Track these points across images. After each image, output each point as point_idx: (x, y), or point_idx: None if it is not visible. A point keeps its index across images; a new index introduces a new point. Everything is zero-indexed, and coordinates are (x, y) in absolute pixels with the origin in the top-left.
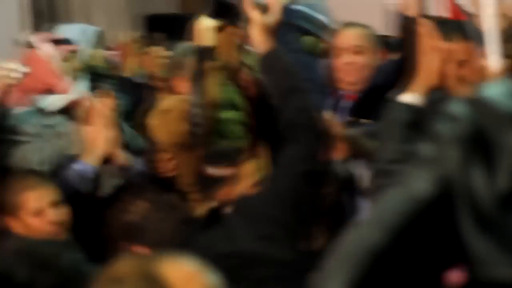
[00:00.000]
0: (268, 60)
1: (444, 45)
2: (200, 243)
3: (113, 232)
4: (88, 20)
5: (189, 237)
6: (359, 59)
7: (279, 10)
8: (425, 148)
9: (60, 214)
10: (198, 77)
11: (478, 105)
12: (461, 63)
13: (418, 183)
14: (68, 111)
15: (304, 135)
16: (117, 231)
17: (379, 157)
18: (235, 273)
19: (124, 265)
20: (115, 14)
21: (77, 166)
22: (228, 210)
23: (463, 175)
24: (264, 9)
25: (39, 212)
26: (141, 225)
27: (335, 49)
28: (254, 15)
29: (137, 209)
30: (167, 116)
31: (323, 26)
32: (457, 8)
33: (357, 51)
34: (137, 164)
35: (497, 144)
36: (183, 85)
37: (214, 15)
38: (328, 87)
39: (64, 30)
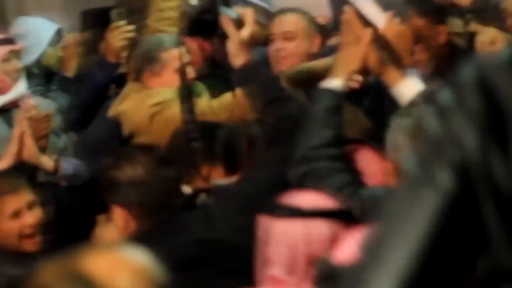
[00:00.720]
0: (245, 73)
1: (367, 31)
2: (179, 221)
3: (100, 187)
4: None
5: (169, 212)
6: (290, 46)
7: (253, 22)
8: (431, 130)
9: (36, 215)
10: (186, 94)
11: (489, 70)
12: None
13: (442, 175)
14: (6, 112)
15: (290, 139)
16: (101, 186)
17: (301, 143)
18: (210, 260)
19: (47, 271)
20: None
21: None
22: (205, 198)
23: (480, 157)
24: (238, 23)
25: (16, 215)
26: (123, 184)
27: (270, 35)
28: (231, 30)
29: (127, 169)
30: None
31: (266, 13)
32: None
33: (288, 37)
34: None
35: None
36: (154, 80)
37: (190, 31)
38: None
39: (23, 25)
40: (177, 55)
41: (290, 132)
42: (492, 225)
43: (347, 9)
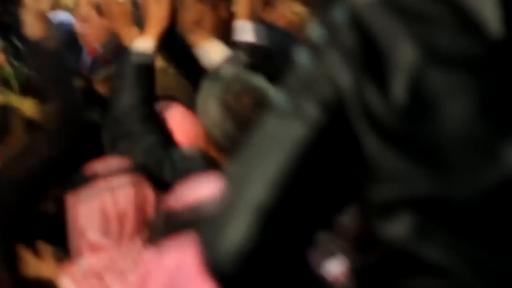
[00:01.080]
0: (36, 48)
1: None
2: None
3: None
4: None
5: None
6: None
7: None
8: (302, 66)
9: None
10: None
11: (361, 8)
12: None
13: (310, 109)
14: None
15: (70, 128)
16: None
17: (112, 105)
18: None
19: None
20: None
21: None
22: None
23: (355, 92)
24: None
25: None
26: None
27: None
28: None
29: None
30: None
31: None
32: None
33: None
34: None
35: (389, 55)
36: None
37: None
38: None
39: None
40: None
41: (72, 121)
42: (381, 155)
43: None
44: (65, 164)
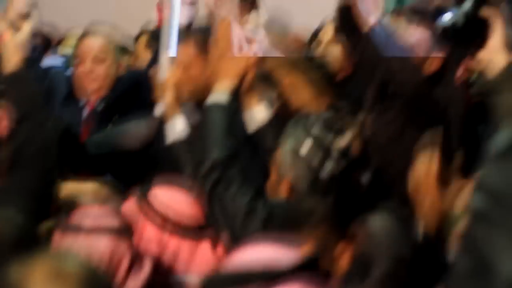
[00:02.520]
0: (13, 79)
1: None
2: None
3: None
4: None
5: None
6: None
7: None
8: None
9: None
10: None
11: None
12: None
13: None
14: None
15: (34, 165)
16: None
17: (204, 154)
18: None
19: None
20: None
21: None
22: None
23: None
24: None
25: None
26: None
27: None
28: (6, 34)
29: None
30: None
31: None
32: None
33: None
34: None
35: None
36: None
37: None
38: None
39: None
40: None
41: (35, 159)
42: None
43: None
44: None
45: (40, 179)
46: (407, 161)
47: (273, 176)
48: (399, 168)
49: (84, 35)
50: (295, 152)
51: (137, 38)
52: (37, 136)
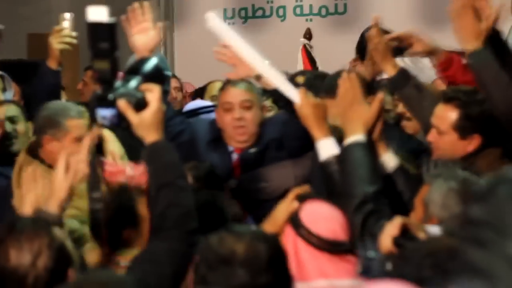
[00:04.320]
0: (152, 151)
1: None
2: None
3: None
4: None
5: None
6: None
7: (158, 99)
8: None
9: None
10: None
11: None
12: None
13: None
14: None
15: (174, 230)
16: None
17: (354, 191)
18: None
19: None
20: None
21: None
22: None
23: None
24: (140, 104)
25: None
26: None
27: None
28: (132, 117)
29: None
30: None
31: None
32: None
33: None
34: None
35: None
36: (53, 144)
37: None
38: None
39: None
40: (79, 125)
41: (176, 224)
42: None
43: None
44: None
45: (183, 241)
46: None
47: (418, 214)
48: None
49: (227, 83)
50: (448, 193)
51: None
52: (180, 200)
